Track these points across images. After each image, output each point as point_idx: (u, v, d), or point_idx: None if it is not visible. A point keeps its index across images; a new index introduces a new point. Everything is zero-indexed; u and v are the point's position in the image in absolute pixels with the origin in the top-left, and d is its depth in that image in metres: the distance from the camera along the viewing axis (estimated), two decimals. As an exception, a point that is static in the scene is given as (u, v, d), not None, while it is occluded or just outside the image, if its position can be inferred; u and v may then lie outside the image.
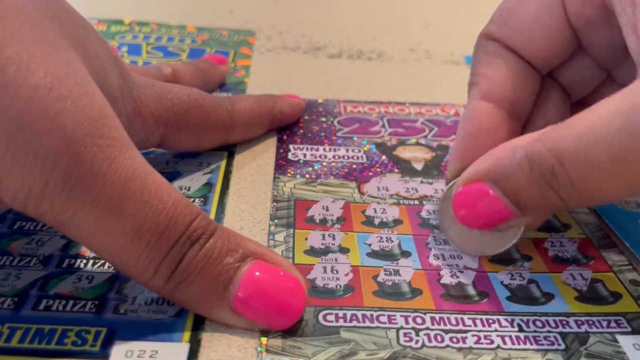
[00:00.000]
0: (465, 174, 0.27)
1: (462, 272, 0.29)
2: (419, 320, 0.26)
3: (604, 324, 0.26)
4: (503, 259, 0.30)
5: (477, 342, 0.25)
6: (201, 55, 0.49)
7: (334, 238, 0.30)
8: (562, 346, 0.25)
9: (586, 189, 0.23)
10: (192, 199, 0.32)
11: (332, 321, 0.26)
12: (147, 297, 0.26)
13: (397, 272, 0.28)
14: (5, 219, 0.30)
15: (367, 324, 0.26)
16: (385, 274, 0.28)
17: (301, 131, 0.40)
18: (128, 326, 0.24)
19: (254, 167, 0.36)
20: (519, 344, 0.25)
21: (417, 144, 0.39)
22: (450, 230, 0.30)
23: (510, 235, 0.28)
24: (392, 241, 0.31)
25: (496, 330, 0.26)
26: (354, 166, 0.37)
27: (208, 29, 0.55)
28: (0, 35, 0.21)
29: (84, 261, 0.28)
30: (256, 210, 0.32)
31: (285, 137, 0.39)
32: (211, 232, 0.24)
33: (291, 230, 0.31)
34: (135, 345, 0.24)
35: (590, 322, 0.26)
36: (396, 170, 0.36)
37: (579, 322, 0.26)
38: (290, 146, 0.38)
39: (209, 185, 0.34)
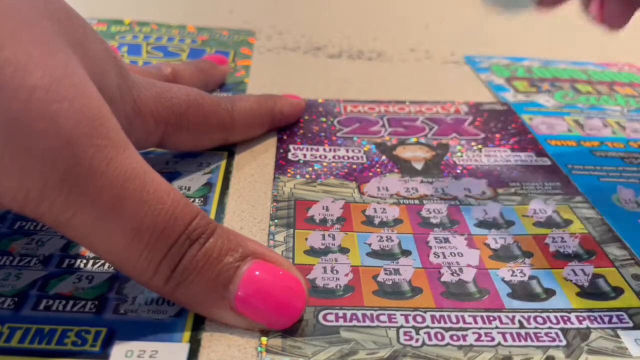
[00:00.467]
0: None
1: (462, 269, 0.29)
2: (419, 318, 0.26)
3: (606, 319, 0.26)
4: (504, 256, 0.30)
5: (477, 340, 0.25)
6: (201, 55, 0.49)
7: (334, 238, 0.30)
8: (564, 342, 0.25)
9: None
10: (192, 199, 0.32)
11: (332, 321, 0.26)
12: (147, 297, 0.26)
13: (397, 272, 0.28)
14: (5, 219, 0.30)
15: (367, 323, 0.26)
16: (386, 274, 0.28)
17: (301, 131, 0.40)
18: (128, 326, 0.24)
19: (254, 167, 0.36)
20: (519, 340, 0.25)
21: (417, 143, 0.39)
22: None
23: None
24: (392, 240, 0.30)
25: (497, 328, 0.26)
26: (354, 166, 0.36)
27: (208, 29, 0.55)
28: None
29: (84, 261, 0.28)
30: (256, 210, 0.32)
31: (285, 137, 0.39)
32: (211, 231, 0.24)
33: (291, 230, 0.31)
34: (135, 345, 0.24)
35: (592, 318, 0.26)
36: (396, 170, 0.36)
37: (581, 318, 0.26)
38: (290, 146, 0.38)
39: (209, 185, 0.34)
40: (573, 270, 0.29)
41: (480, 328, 0.26)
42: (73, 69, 0.23)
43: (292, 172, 0.35)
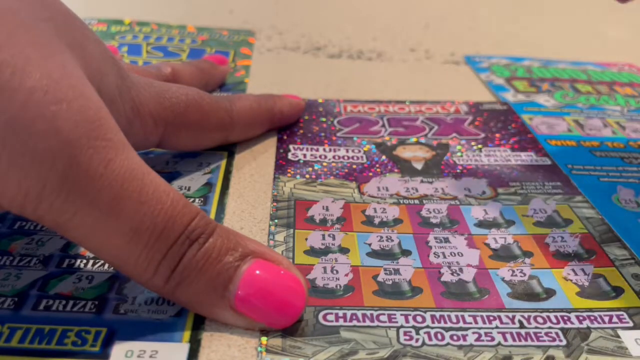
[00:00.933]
0: None
1: (462, 269, 0.29)
2: (419, 318, 0.26)
3: (606, 319, 0.26)
4: (504, 256, 0.30)
5: (477, 340, 0.25)
6: (201, 55, 0.49)
7: (334, 238, 0.30)
8: (564, 342, 0.25)
9: None
10: (192, 199, 0.32)
11: (332, 321, 0.26)
12: (147, 297, 0.26)
13: (397, 271, 0.28)
14: (5, 219, 0.30)
15: (367, 323, 0.26)
16: (386, 274, 0.28)
17: (301, 131, 0.40)
18: (128, 326, 0.24)
19: (254, 167, 0.36)
20: (520, 340, 0.25)
21: (417, 143, 0.39)
22: None
23: None
24: (392, 240, 0.30)
25: (497, 327, 0.26)
26: (354, 166, 0.36)
27: (208, 29, 0.55)
28: None
29: (84, 261, 0.28)
30: (256, 210, 0.32)
31: (285, 137, 0.39)
32: (210, 231, 0.24)
33: (291, 230, 0.31)
34: (135, 345, 0.24)
35: (592, 318, 0.26)
36: (396, 170, 0.36)
37: (581, 318, 0.26)
38: (290, 146, 0.38)
39: (209, 185, 0.34)
40: (573, 270, 0.29)
41: (480, 328, 0.26)
42: (71, 70, 0.23)
43: (292, 172, 0.35)
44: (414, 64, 0.52)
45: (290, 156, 0.37)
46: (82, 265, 0.27)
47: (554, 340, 0.25)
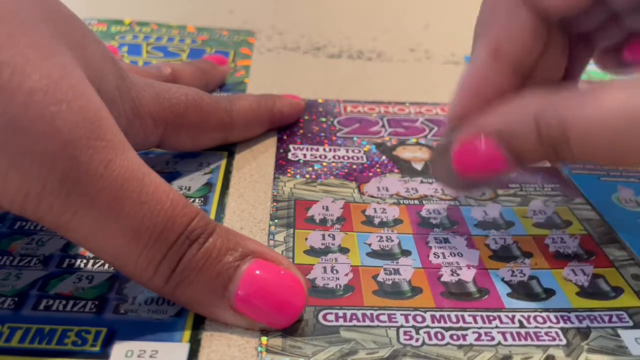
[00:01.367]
0: (471, 127, 0.27)
1: (462, 269, 0.29)
2: (419, 318, 0.26)
3: (606, 318, 0.26)
4: (504, 256, 0.30)
5: (477, 339, 0.25)
6: (201, 55, 0.49)
7: (334, 238, 0.30)
8: (564, 342, 0.25)
9: (584, 159, 0.25)
10: (192, 199, 0.32)
11: (332, 321, 0.26)
12: (147, 297, 0.26)
13: (397, 271, 0.28)
14: (5, 219, 0.30)
15: (367, 323, 0.26)
16: (385, 274, 0.28)
17: (301, 131, 0.40)
18: (128, 326, 0.24)
19: (254, 167, 0.36)
20: (519, 340, 0.25)
21: (417, 144, 0.39)
22: (442, 174, 0.30)
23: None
24: (392, 240, 0.30)
25: (497, 327, 0.26)
26: (354, 166, 0.36)
27: (208, 29, 0.55)
28: None
29: (84, 261, 0.28)
30: (256, 210, 0.32)
31: (285, 137, 0.39)
32: (210, 231, 0.24)
33: (291, 230, 0.31)
34: (135, 345, 0.24)
35: (592, 317, 0.26)
36: (396, 170, 0.36)
37: (581, 318, 0.26)
38: (290, 146, 0.38)
39: (209, 185, 0.34)
40: (573, 271, 0.29)
41: (480, 327, 0.26)
42: (71, 71, 0.23)
43: (292, 172, 0.35)
44: (414, 64, 0.52)
45: (290, 156, 0.37)
46: (82, 265, 0.27)
47: (554, 339, 0.25)
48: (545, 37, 0.29)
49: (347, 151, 0.38)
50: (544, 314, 0.26)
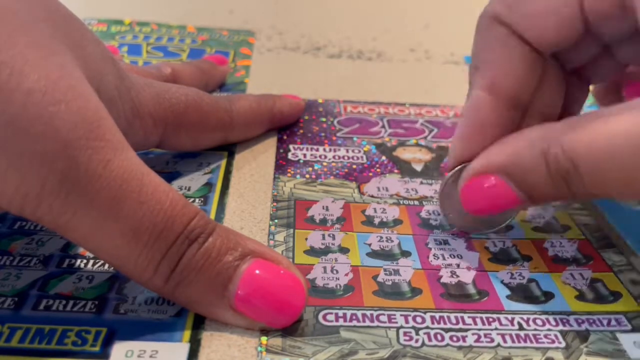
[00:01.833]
0: (477, 164, 0.27)
1: (462, 271, 0.29)
2: (418, 319, 0.26)
3: (605, 322, 0.26)
4: (503, 259, 0.30)
5: (477, 341, 0.25)
6: (201, 55, 0.49)
7: (334, 238, 0.30)
8: (563, 344, 0.25)
9: (598, 191, 0.25)
10: (192, 199, 0.32)
11: (332, 321, 0.26)
12: (147, 297, 0.26)
13: (397, 272, 0.28)
14: (5, 219, 0.30)
15: (367, 323, 0.26)
16: (385, 274, 0.28)
17: (301, 131, 0.40)
18: (128, 326, 0.24)
19: (254, 167, 0.36)
20: (519, 342, 0.25)
21: (417, 145, 0.39)
22: (451, 213, 0.31)
23: (509, 213, 0.29)
24: (392, 241, 0.31)
25: (496, 329, 0.26)
26: (354, 166, 0.37)
27: (208, 29, 0.55)
28: None
29: (84, 261, 0.28)
30: (256, 210, 0.32)
31: (285, 137, 0.39)
32: (210, 231, 0.24)
33: (291, 230, 0.31)
34: (135, 345, 0.24)
35: (591, 321, 0.26)
36: (396, 170, 0.36)
37: (580, 321, 0.26)
38: (290, 146, 0.38)
39: (209, 185, 0.34)
40: (571, 274, 0.29)
41: (479, 329, 0.26)
42: (70, 71, 0.23)
43: (292, 172, 0.35)
44: (414, 64, 0.52)
45: (290, 156, 0.37)
46: (82, 265, 0.27)
47: (553, 342, 0.25)
48: (540, 70, 0.29)
49: (347, 151, 0.38)
50: (543, 317, 0.26)
